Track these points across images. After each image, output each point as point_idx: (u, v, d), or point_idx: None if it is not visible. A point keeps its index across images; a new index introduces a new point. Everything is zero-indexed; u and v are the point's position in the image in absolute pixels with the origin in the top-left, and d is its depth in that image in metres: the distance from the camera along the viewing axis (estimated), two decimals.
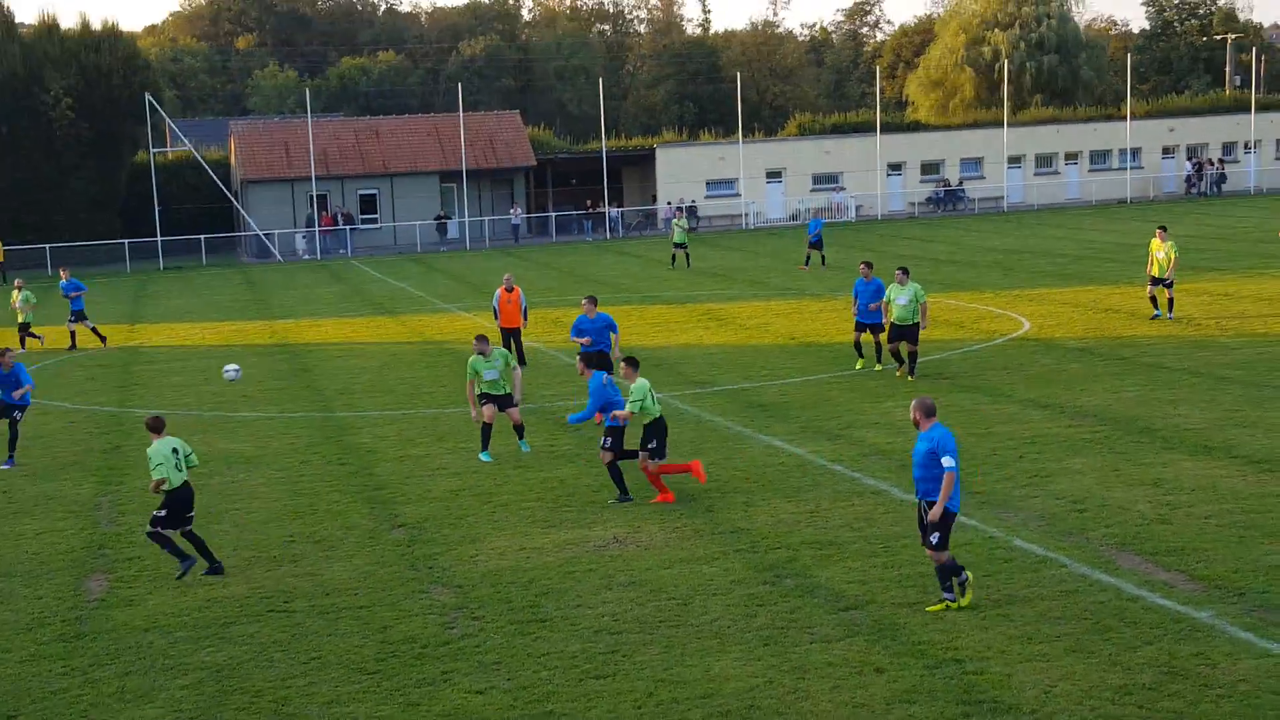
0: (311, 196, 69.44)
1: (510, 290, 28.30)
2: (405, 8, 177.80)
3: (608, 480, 18.39)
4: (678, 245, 51.42)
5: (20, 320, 35.89)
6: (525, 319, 28.45)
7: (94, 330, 36.32)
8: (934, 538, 13.02)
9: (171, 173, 72.76)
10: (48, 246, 65.05)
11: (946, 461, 12.83)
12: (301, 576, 15.47)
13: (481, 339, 20.82)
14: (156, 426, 15.91)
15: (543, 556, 15.76)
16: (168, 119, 72.98)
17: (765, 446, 20.78)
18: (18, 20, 72.07)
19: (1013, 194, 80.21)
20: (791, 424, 22.24)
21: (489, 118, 77.16)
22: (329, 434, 23.50)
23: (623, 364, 18.37)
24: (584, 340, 23.79)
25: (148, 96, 67.67)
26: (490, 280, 49.94)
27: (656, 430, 17.78)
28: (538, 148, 76.84)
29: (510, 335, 27.93)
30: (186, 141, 71.68)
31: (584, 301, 24.34)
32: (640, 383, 17.80)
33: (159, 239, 66.62)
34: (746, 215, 75.50)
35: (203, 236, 67.89)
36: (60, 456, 22.66)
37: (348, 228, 69.56)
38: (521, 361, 27.12)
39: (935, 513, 12.93)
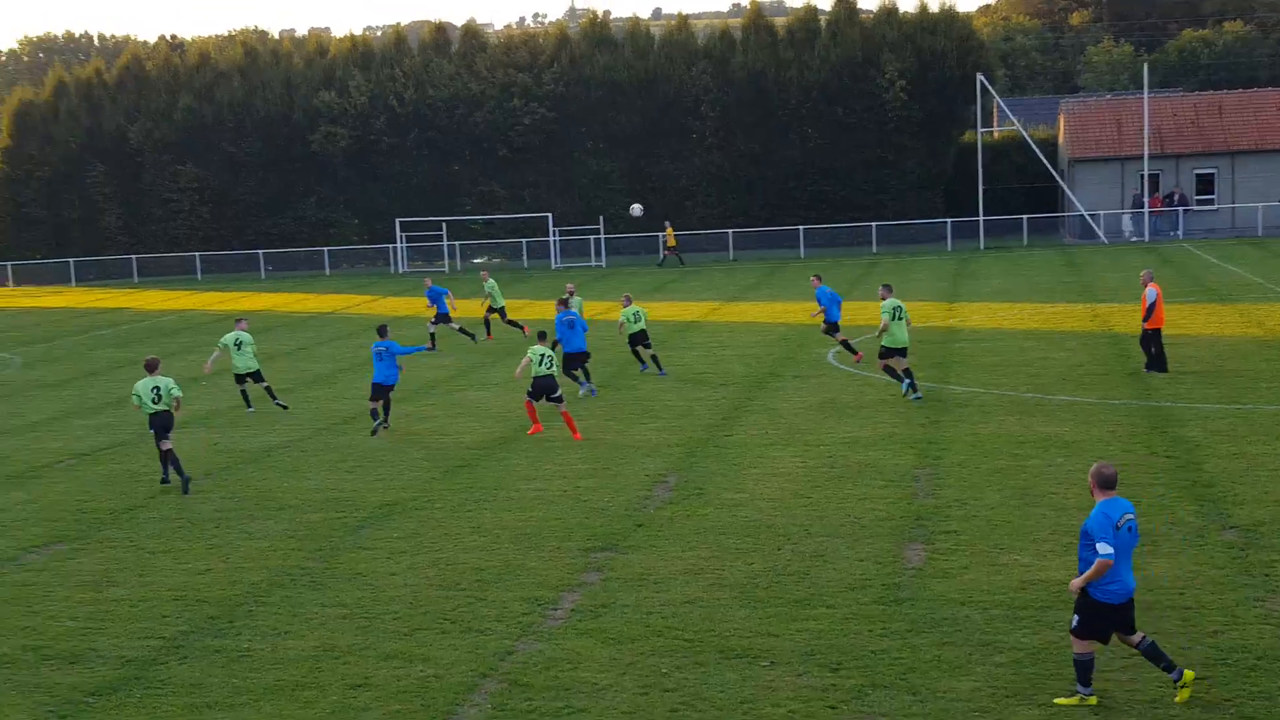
0: (1142, 176, 67.09)
1: (1144, 285, 27.25)
2: None
3: None
4: None
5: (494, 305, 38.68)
6: (1148, 316, 27.09)
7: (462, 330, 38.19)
8: (1074, 619, 11.43)
9: (997, 152, 73.41)
10: (874, 224, 68.27)
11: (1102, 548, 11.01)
12: None
13: None
14: (149, 367, 21.43)
15: None
16: (997, 98, 73.68)
17: None
18: (859, 6, 75.85)
19: None
20: None
21: None
22: (1154, 423, 22.44)
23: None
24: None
25: (979, 77, 68.67)
26: None
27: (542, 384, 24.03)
28: None
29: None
30: (1014, 120, 71.93)
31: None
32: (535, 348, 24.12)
33: (981, 218, 67.50)
34: None
35: (1025, 216, 67.88)
36: (881, 427, 23.39)
37: (1180, 208, 66.55)
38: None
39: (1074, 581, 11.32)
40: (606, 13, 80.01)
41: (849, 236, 69.11)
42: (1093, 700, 11.32)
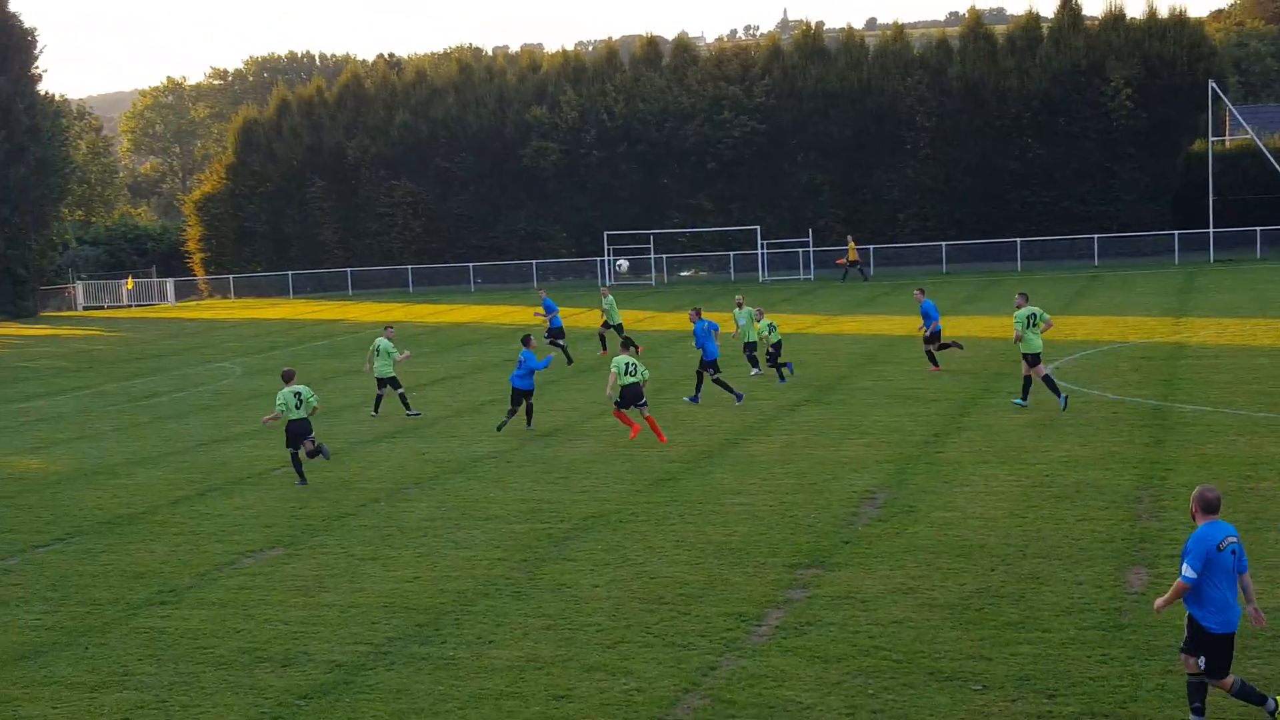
0: None
1: None
2: None
3: None
4: None
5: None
6: None
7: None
8: (1200, 660, 10.92)
9: (1229, 162, 70.32)
10: (1095, 237, 66.20)
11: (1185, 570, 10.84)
12: None
13: None
14: (286, 377, 23.29)
15: None
16: (1230, 106, 70.75)
17: None
18: (1085, 13, 73.70)
19: None
20: None
21: None
22: None
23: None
24: None
25: (1211, 84, 66.02)
26: None
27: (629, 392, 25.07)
28: None
29: None
30: (1248, 129, 68.95)
31: None
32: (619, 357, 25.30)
33: (1211, 230, 64.83)
34: None
35: (1259, 229, 64.89)
36: (1100, 446, 22.50)
37: None
38: None
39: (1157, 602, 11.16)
40: (819, 24, 79.00)
41: (1069, 249, 67.14)
42: None
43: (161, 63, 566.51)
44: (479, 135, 77.48)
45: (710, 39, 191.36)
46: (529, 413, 27.25)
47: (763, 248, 69.66)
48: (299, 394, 22.98)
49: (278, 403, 22.88)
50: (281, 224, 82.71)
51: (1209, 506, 10.98)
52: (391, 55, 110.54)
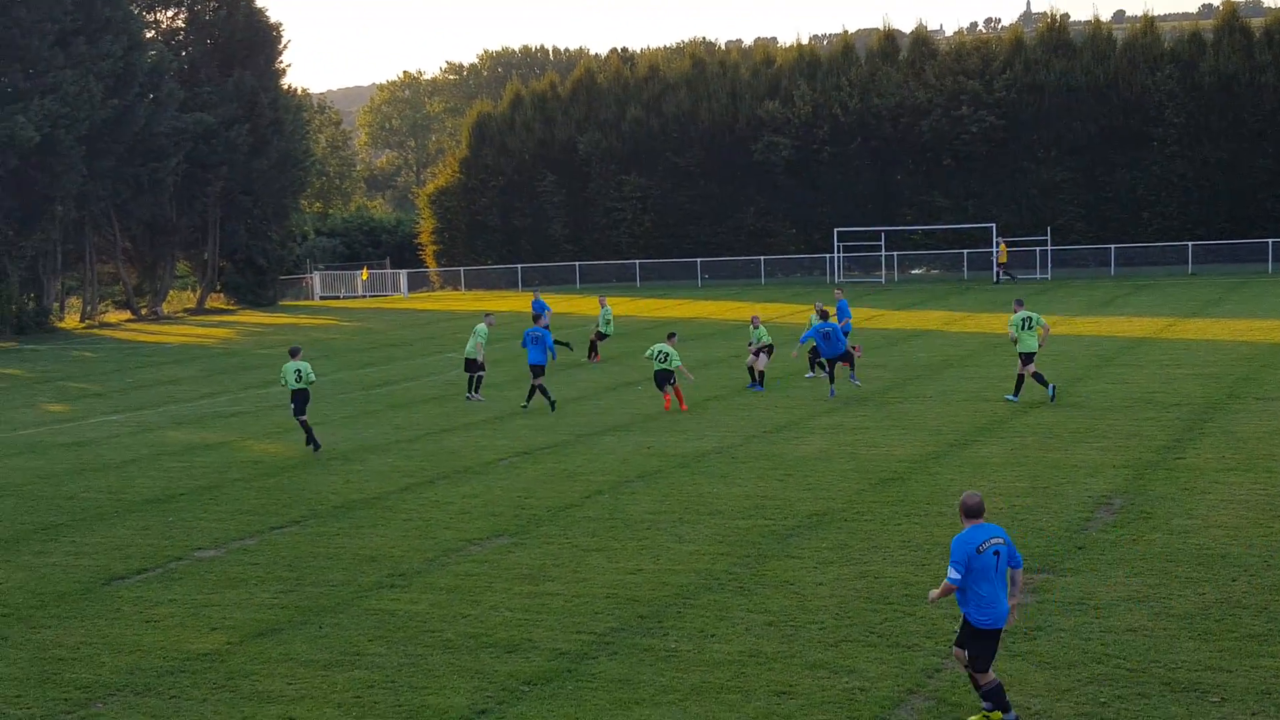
0: None
1: None
2: None
3: None
4: None
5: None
6: None
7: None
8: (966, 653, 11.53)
9: None
10: None
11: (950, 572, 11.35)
12: None
13: None
14: (293, 353, 26.58)
15: None
16: None
17: None
18: None
19: None
20: None
21: None
22: None
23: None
24: None
25: None
26: None
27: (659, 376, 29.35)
28: None
29: None
30: None
31: None
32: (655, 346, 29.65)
33: None
34: None
35: None
36: None
37: None
38: None
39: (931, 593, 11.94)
40: (1064, 16, 76.50)
41: None
42: None
43: (398, 57, 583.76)
44: (710, 130, 77.69)
45: (949, 32, 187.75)
46: (544, 393, 30.86)
47: (998, 246, 68.16)
48: (299, 370, 26.34)
49: (280, 376, 26.89)
50: (512, 217, 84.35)
51: (970, 512, 11.53)
52: (624, 49, 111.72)
